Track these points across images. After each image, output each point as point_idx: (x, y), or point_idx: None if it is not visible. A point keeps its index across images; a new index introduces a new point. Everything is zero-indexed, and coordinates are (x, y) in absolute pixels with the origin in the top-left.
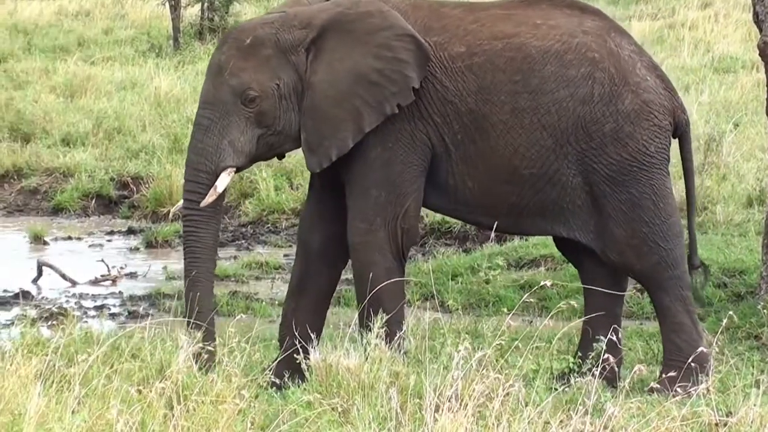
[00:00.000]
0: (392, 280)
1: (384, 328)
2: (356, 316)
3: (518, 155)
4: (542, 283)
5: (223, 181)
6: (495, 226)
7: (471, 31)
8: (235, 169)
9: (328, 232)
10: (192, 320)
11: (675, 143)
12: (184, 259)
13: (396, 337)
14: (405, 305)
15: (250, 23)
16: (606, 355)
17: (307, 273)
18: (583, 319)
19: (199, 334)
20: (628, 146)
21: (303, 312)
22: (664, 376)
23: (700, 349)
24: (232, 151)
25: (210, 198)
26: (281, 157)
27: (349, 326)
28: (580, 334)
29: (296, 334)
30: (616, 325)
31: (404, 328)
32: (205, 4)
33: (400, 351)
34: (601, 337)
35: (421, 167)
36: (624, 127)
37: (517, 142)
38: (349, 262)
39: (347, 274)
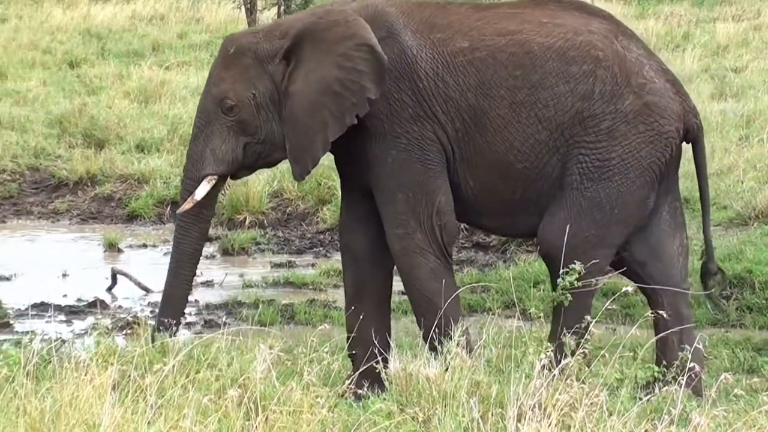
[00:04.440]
0: (442, 281)
1: (444, 331)
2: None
3: (513, 150)
4: (624, 290)
5: (202, 188)
6: (492, 228)
7: (475, 27)
8: (216, 177)
9: (369, 234)
10: (160, 318)
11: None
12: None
13: (464, 342)
14: (458, 302)
15: (241, 32)
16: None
17: (359, 279)
18: (660, 335)
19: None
20: (619, 146)
21: (367, 319)
22: None
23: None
24: (212, 159)
25: (186, 205)
26: (272, 164)
27: None
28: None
29: (375, 342)
30: (687, 327)
31: (462, 324)
32: (282, 8)
33: (469, 351)
34: (675, 341)
35: (441, 164)
36: (620, 126)
37: (512, 137)
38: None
39: None
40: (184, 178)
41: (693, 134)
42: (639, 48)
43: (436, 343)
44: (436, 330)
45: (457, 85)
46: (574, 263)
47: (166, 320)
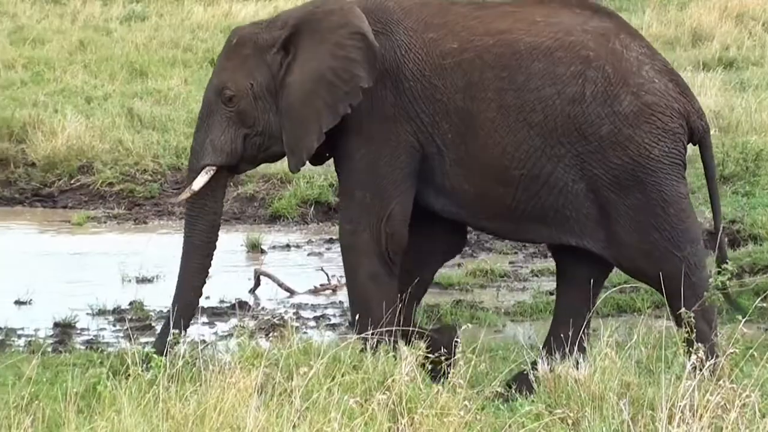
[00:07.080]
0: (380, 286)
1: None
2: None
3: (507, 155)
4: None
5: (200, 179)
6: (494, 231)
7: (468, 27)
8: (214, 167)
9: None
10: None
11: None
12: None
13: (382, 344)
14: (396, 309)
15: (247, 24)
16: None
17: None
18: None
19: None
20: (628, 150)
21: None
22: None
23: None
24: (211, 150)
25: (183, 195)
26: (275, 158)
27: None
28: None
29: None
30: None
31: (395, 332)
32: None
33: (377, 354)
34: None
35: (408, 169)
36: (623, 129)
37: (504, 141)
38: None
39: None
40: (188, 170)
41: (699, 136)
42: (641, 47)
43: (367, 347)
44: (368, 334)
45: (445, 88)
46: (657, 270)
47: (178, 313)
